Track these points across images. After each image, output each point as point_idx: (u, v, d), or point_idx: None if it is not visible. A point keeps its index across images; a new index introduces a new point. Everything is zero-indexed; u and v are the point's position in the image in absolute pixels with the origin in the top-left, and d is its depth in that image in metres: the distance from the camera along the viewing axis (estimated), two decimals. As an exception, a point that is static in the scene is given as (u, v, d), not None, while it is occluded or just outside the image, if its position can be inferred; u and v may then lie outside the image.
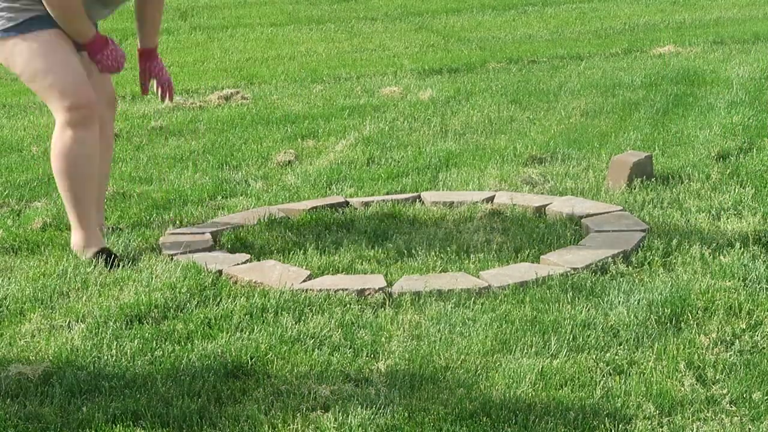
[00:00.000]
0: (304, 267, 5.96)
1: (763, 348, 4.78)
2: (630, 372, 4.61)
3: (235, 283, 5.79)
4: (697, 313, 5.11)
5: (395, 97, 10.79)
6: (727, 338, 4.87)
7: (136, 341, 5.03)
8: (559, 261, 5.86)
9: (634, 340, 4.88)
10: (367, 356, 4.85)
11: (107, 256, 6.09)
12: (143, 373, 4.74)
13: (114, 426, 4.33)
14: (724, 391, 4.40)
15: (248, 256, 6.17)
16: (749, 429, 4.16)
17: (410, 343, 4.94)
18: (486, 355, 4.79)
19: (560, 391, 4.45)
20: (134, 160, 8.55)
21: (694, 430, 4.16)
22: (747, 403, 4.33)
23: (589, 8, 17.49)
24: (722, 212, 6.56)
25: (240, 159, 8.46)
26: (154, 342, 5.03)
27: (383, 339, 5.00)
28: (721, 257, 5.81)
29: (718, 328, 4.95)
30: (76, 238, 6.25)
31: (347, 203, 7.14)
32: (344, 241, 6.36)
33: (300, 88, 11.60)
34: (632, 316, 5.08)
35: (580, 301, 5.31)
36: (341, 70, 12.68)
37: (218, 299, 5.53)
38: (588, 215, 6.62)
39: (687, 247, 5.97)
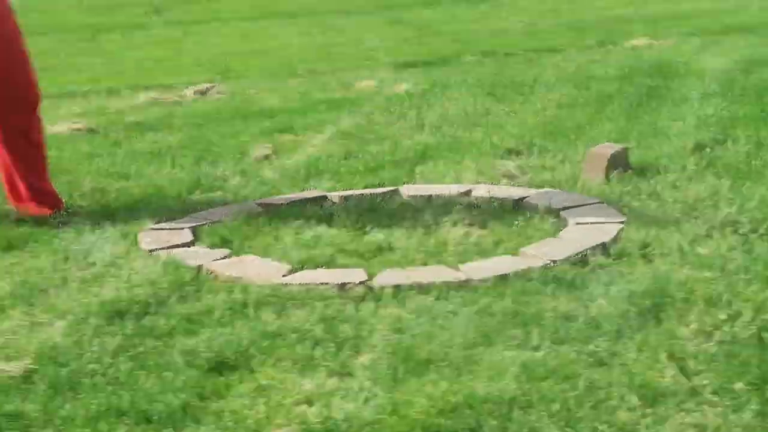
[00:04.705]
0: (284, 261, 5.96)
1: (743, 338, 4.81)
2: (612, 363, 4.62)
3: (216, 278, 5.78)
4: (677, 304, 5.13)
5: (371, 90, 10.80)
6: (707, 329, 4.89)
7: (117, 337, 5.03)
8: (538, 253, 5.88)
9: (615, 332, 4.90)
10: (349, 350, 4.86)
11: None
12: (125, 369, 4.74)
13: (97, 423, 4.32)
14: (706, 382, 4.43)
15: (228, 251, 6.17)
16: (731, 419, 4.19)
17: (392, 337, 4.94)
18: (468, 348, 4.80)
19: (543, 383, 4.47)
20: (111, 156, 8.53)
21: (677, 420, 4.18)
22: (728, 393, 4.35)
23: (563, 0, 17.53)
24: (699, 203, 6.59)
25: (217, 154, 8.45)
26: (136, 338, 5.03)
27: (365, 333, 5.00)
28: (699, 248, 5.84)
29: (698, 318, 4.98)
30: None
31: (325, 197, 7.15)
32: (324, 235, 6.37)
33: (276, 83, 11.59)
34: (613, 308, 5.10)
35: (560, 294, 5.33)
36: (317, 64, 12.67)
37: (199, 295, 5.53)
38: (566, 207, 6.64)
39: (665, 238, 6.00)
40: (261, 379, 4.61)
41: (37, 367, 4.76)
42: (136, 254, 6.18)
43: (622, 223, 6.29)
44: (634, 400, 4.30)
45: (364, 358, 4.75)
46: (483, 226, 6.45)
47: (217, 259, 6.02)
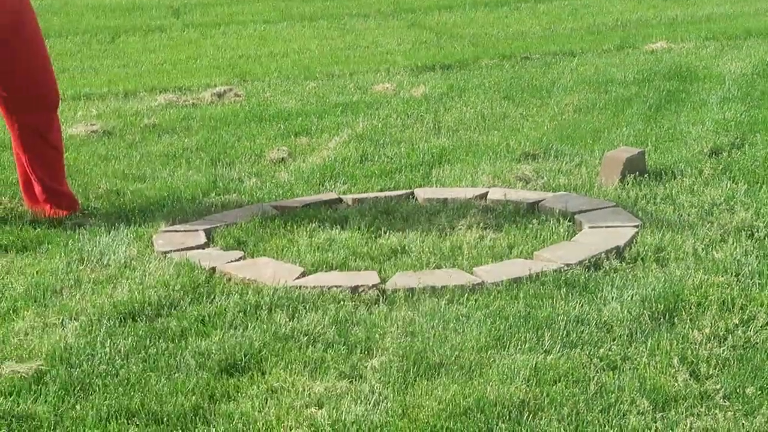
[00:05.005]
0: (297, 264, 5.96)
1: (756, 343, 4.79)
2: (623, 367, 4.61)
3: (229, 280, 5.79)
4: (691, 308, 5.11)
5: (388, 94, 10.78)
6: (721, 333, 4.88)
7: (129, 339, 5.03)
8: (552, 257, 5.86)
9: (627, 336, 4.89)
10: (361, 353, 4.86)
11: None
12: (137, 370, 4.74)
13: (108, 424, 4.33)
14: (718, 386, 4.42)
15: (242, 254, 6.17)
16: (742, 424, 4.17)
17: (404, 340, 4.94)
18: (480, 351, 4.80)
19: (554, 386, 4.46)
20: (127, 158, 8.54)
21: (688, 425, 4.17)
22: (740, 398, 4.34)
23: (581, 4, 17.48)
24: (715, 207, 6.57)
25: (233, 156, 8.45)
26: (148, 339, 5.03)
27: (377, 335, 5.00)
28: (714, 252, 5.82)
29: (711, 323, 4.96)
30: None
31: (340, 200, 7.15)
32: (338, 237, 6.36)
33: (293, 86, 11.59)
34: (626, 312, 5.09)
35: (573, 297, 5.32)
36: (334, 67, 12.66)
37: (212, 296, 5.53)
38: (581, 211, 6.63)
39: (680, 242, 5.98)
40: (272, 381, 4.61)
41: (48, 368, 4.77)
42: (150, 256, 6.19)
43: (637, 227, 6.27)
44: (644, 404, 4.29)
45: (376, 361, 4.75)
46: (498, 229, 6.44)
47: (231, 261, 6.02)
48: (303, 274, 5.77)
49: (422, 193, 7.17)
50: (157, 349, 4.93)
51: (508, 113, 9.60)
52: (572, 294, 5.36)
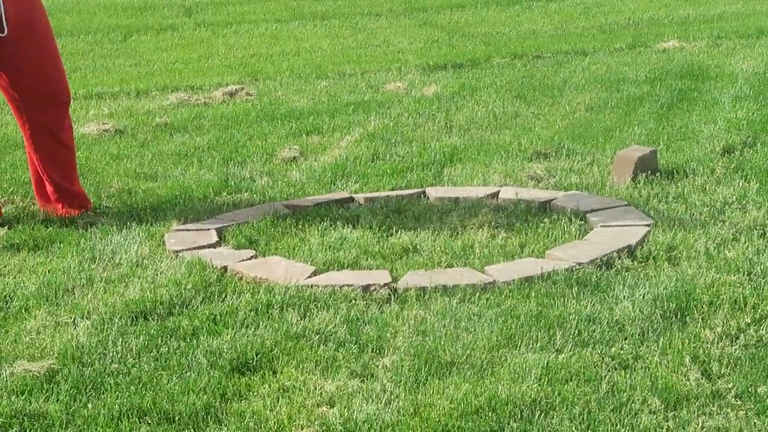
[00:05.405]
0: (309, 263, 5.97)
1: (769, 342, 4.78)
2: (635, 366, 4.61)
3: (241, 279, 5.79)
4: (702, 307, 5.11)
5: (400, 92, 10.77)
6: (732, 332, 4.87)
7: (141, 338, 5.04)
8: (564, 256, 5.86)
9: (639, 335, 4.89)
10: (372, 352, 4.86)
11: None
12: (149, 369, 4.75)
13: (119, 423, 4.34)
14: (729, 385, 4.41)
15: (253, 252, 6.18)
16: (754, 423, 4.17)
17: (415, 339, 4.94)
18: (491, 350, 4.79)
19: (566, 385, 4.46)
20: (139, 157, 8.55)
21: (700, 424, 4.17)
22: (752, 397, 4.33)
23: (593, 3, 17.45)
24: (727, 206, 6.56)
25: (245, 155, 8.46)
26: (160, 338, 5.04)
27: (388, 334, 5.00)
28: (726, 251, 5.81)
29: (723, 322, 4.95)
30: None
31: (352, 199, 7.15)
32: (349, 236, 6.36)
33: (305, 84, 11.59)
34: (637, 311, 5.09)
35: (585, 296, 5.31)
36: (346, 66, 12.66)
37: (223, 295, 5.54)
38: (593, 210, 6.62)
39: (692, 241, 5.97)
40: (283, 380, 4.62)
41: (60, 366, 4.78)
42: (161, 255, 6.20)
43: (648, 226, 6.27)
44: (656, 403, 4.29)
45: (387, 360, 4.75)
46: (509, 228, 6.43)
47: (243, 260, 6.03)
48: (314, 273, 5.77)
49: (434, 192, 7.17)
50: (169, 348, 4.94)
51: (520, 112, 9.59)
52: (584, 293, 5.35)
